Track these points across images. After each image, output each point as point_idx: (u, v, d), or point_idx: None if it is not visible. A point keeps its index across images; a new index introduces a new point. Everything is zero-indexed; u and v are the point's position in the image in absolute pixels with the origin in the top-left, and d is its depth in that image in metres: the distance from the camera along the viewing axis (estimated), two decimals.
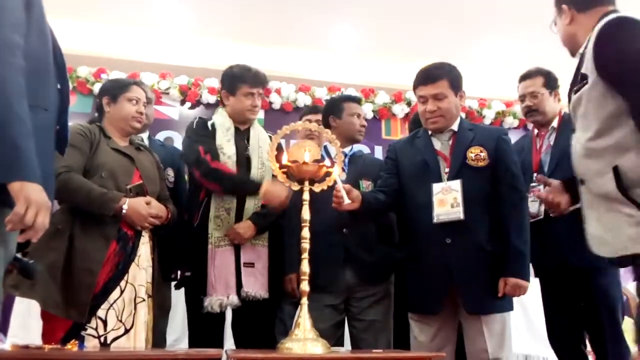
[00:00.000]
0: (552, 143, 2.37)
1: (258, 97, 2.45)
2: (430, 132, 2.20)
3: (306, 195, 1.77)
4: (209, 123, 2.43)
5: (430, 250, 2.04)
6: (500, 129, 2.51)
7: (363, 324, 2.24)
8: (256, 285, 2.24)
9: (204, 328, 2.25)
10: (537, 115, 2.44)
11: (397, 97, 4.58)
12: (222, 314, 2.26)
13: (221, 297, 2.20)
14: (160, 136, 4.25)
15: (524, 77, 2.51)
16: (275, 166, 1.81)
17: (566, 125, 2.18)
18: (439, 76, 2.14)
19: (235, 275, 2.24)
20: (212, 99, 4.39)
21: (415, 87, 2.23)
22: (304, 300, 1.70)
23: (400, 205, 2.20)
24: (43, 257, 1.83)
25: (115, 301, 1.88)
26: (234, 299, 2.21)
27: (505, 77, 5.27)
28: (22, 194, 1.11)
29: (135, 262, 1.95)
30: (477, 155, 2.08)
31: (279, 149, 2.21)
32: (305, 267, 1.73)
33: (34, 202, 1.11)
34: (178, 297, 2.45)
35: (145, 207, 1.97)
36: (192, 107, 4.42)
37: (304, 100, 4.44)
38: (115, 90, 2.14)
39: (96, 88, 4.23)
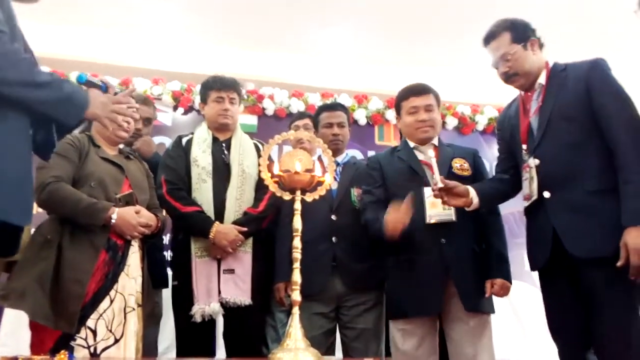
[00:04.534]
0: (540, 103, 1.96)
1: (229, 102, 2.47)
2: (412, 145, 2.26)
3: (298, 205, 1.77)
4: (185, 139, 2.47)
5: (425, 252, 2.08)
6: (474, 149, 2.38)
7: (354, 332, 2.24)
8: (236, 292, 2.24)
9: (191, 337, 2.26)
10: (518, 79, 2.00)
11: (390, 103, 4.57)
12: (210, 323, 2.26)
13: (203, 306, 2.20)
14: (154, 141, 4.23)
15: (487, 39, 2.06)
16: (267, 176, 1.81)
17: (557, 80, 1.92)
18: (428, 89, 2.30)
19: (217, 283, 2.24)
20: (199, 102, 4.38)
21: (405, 99, 2.30)
22: (295, 310, 1.69)
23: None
24: (33, 267, 1.83)
25: (105, 311, 1.86)
26: (215, 307, 2.22)
27: (498, 83, 5.31)
28: None
29: (124, 271, 1.94)
30: (461, 165, 2.21)
31: (269, 159, 2.22)
32: (296, 276, 1.72)
33: None
34: (169, 305, 2.45)
35: (134, 217, 1.96)
36: (185, 113, 4.40)
37: (297, 106, 4.42)
38: None
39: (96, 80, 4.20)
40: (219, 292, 2.23)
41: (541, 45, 2.02)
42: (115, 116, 1.45)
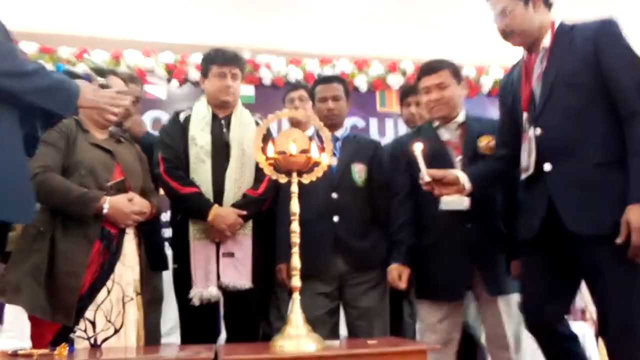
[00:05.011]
0: (544, 68, 1.81)
1: (231, 78, 2.36)
2: (436, 125, 2.20)
3: (294, 188, 1.70)
4: (183, 115, 2.36)
5: (449, 236, 2.06)
6: None
7: (358, 311, 2.21)
8: (235, 276, 2.20)
9: (194, 320, 2.23)
10: (516, 37, 1.86)
11: (391, 68, 4.45)
12: (213, 304, 2.23)
13: (201, 290, 2.17)
14: (148, 116, 4.15)
15: None
16: (261, 158, 1.73)
17: (562, 42, 1.78)
18: (440, 66, 2.20)
19: (216, 267, 2.20)
20: (199, 76, 4.24)
21: (419, 79, 2.24)
22: (296, 296, 1.65)
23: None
24: (26, 260, 1.79)
25: (102, 302, 1.82)
26: (213, 291, 2.18)
27: (504, 42, 5.13)
28: None
29: (120, 260, 1.90)
30: (487, 143, 2.10)
31: (269, 136, 2.14)
32: (295, 261, 1.67)
33: None
34: (171, 286, 2.42)
35: (127, 205, 1.90)
36: (179, 86, 4.29)
37: (295, 74, 4.30)
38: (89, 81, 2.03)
39: (79, 68, 4.09)
40: (218, 275, 2.19)
41: (549, 4, 1.86)
42: (108, 105, 1.37)
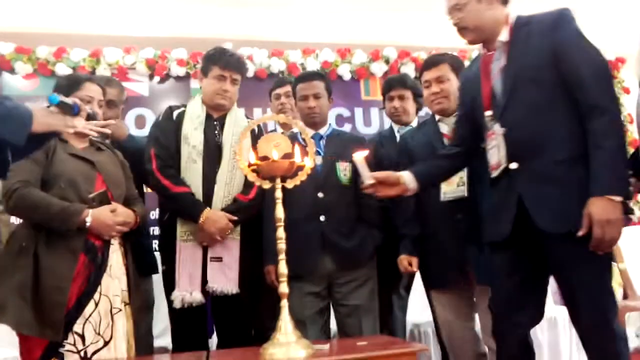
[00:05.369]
0: (503, 62, 1.76)
1: (231, 83, 2.33)
2: (437, 118, 2.26)
3: (278, 193, 1.70)
4: (176, 112, 2.32)
5: (442, 227, 2.14)
6: None
7: (347, 309, 2.23)
8: (223, 281, 2.19)
9: (184, 323, 2.23)
10: (468, 33, 1.82)
11: (374, 56, 4.41)
12: (202, 307, 2.22)
13: (183, 293, 2.16)
14: (132, 114, 4.11)
15: None
16: (243, 165, 1.71)
17: (520, 36, 1.75)
18: (440, 60, 2.25)
19: (202, 270, 2.19)
20: (181, 71, 4.20)
21: (420, 75, 2.31)
22: (284, 303, 1.66)
23: None
24: (10, 277, 1.77)
25: (90, 315, 1.82)
26: (197, 296, 2.17)
27: None
28: None
29: (107, 272, 1.88)
30: None
31: (259, 135, 2.11)
32: (282, 268, 1.67)
33: None
34: (162, 288, 2.41)
35: (110, 216, 1.87)
36: (161, 82, 4.23)
37: (277, 65, 4.25)
38: (65, 89, 1.99)
39: (58, 68, 4.03)
40: (204, 279, 2.18)
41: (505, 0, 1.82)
42: (62, 126, 1.34)
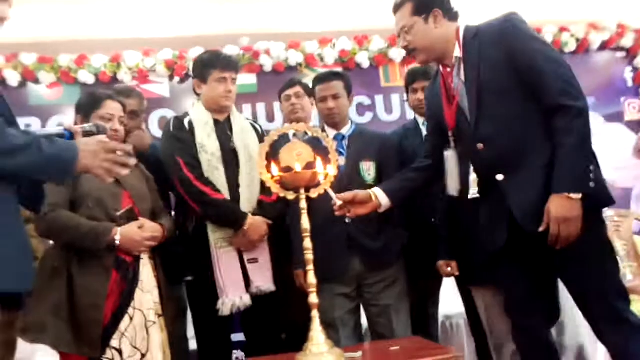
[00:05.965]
0: (463, 78, 1.75)
1: (232, 83, 2.33)
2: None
3: (303, 204, 1.68)
4: (186, 121, 2.33)
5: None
6: None
7: (377, 309, 2.23)
8: (264, 280, 2.24)
9: (211, 331, 2.26)
10: (418, 54, 1.84)
11: (392, 41, 4.31)
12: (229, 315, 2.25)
13: (233, 299, 2.19)
14: (154, 116, 4.12)
15: (394, 10, 1.88)
16: (267, 177, 1.71)
17: (472, 50, 1.73)
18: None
19: (242, 274, 2.23)
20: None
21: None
22: (315, 313, 1.65)
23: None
24: (46, 298, 1.82)
25: (126, 329, 1.86)
26: (247, 299, 2.21)
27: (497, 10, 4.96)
28: None
29: (139, 287, 1.92)
30: None
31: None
32: (311, 279, 1.66)
33: None
34: None
35: (138, 233, 1.90)
36: (181, 82, 4.23)
37: (295, 58, 4.21)
38: (86, 108, 2.02)
39: (80, 76, 4.07)
40: (246, 283, 2.22)
41: (453, 15, 1.82)
42: (109, 165, 1.32)
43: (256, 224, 2.20)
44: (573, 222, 1.57)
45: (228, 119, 2.37)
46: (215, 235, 2.24)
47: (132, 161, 1.36)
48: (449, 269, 2.23)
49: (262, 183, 2.22)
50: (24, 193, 1.34)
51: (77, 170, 1.27)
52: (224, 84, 2.31)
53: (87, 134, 1.46)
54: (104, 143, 1.31)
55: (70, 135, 1.41)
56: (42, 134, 1.30)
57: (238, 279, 2.21)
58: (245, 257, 2.25)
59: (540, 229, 1.59)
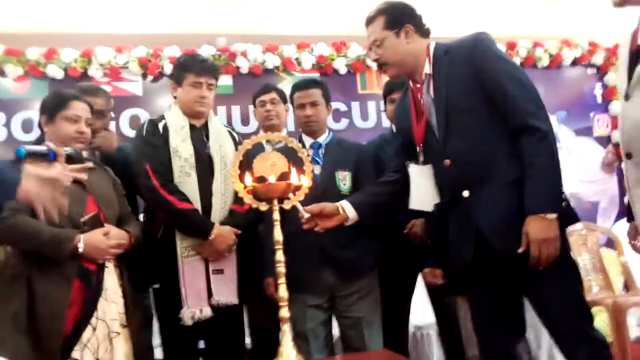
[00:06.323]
0: (432, 94, 1.78)
1: (207, 88, 2.28)
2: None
3: (276, 215, 1.64)
4: (160, 124, 2.27)
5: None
6: None
7: (350, 321, 2.21)
8: (226, 292, 2.19)
9: (177, 340, 2.21)
10: (389, 68, 1.86)
11: (370, 49, 4.32)
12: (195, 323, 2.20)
13: (193, 310, 2.14)
14: (126, 114, 4.02)
15: (366, 23, 1.91)
16: (239, 187, 1.66)
17: (441, 67, 1.74)
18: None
19: (206, 285, 2.18)
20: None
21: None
22: (286, 328, 1.62)
23: None
24: (3, 306, 1.73)
25: (88, 340, 1.78)
26: (207, 311, 2.16)
27: (493, 14, 5.01)
28: None
29: (103, 296, 1.84)
30: None
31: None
32: (283, 292, 1.63)
33: None
34: None
35: (103, 240, 1.83)
36: (154, 80, 4.13)
37: (272, 61, 4.16)
38: (51, 108, 1.94)
39: (49, 70, 3.94)
40: (209, 294, 2.17)
41: (424, 32, 1.85)
42: (55, 196, 1.24)
43: (224, 234, 2.16)
44: (552, 242, 1.57)
45: (205, 125, 2.32)
46: (182, 244, 2.19)
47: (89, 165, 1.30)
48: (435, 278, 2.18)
49: (236, 192, 2.22)
50: None
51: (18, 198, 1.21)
52: (198, 88, 2.26)
53: (68, 157, 1.43)
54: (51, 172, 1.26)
55: (54, 155, 1.36)
56: (29, 149, 1.26)
57: (200, 290, 2.17)
58: (211, 267, 2.20)
59: (520, 251, 1.59)
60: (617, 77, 1.68)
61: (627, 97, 1.50)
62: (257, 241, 2.32)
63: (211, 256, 2.18)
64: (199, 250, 2.18)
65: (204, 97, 2.27)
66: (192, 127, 2.28)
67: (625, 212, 1.72)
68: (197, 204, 2.19)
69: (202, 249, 2.17)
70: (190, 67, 2.27)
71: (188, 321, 2.14)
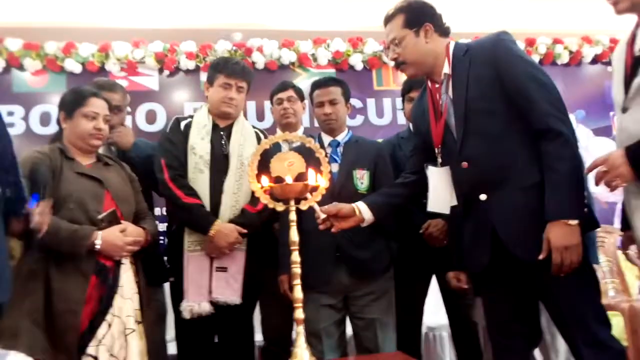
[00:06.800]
0: (451, 95, 1.74)
1: (236, 90, 2.30)
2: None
3: (293, 216, 1.63)
4: (184, 122, 2.30)
5: None
6: None
7: (363, 322, 2.19)
8: (227, 291, 2.18)
9: (192, 334, 2.23)
10: (407, 67, 1.82)
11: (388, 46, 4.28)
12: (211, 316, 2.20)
13: (192, 304, 2.15)
14: (142, 109, 4.05)
15: (385, 21, 1.87)
16: (256, 187, 1.66)
17: (461, 67, 1.71)
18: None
19: (208, 281, 2.18)
20: (191, 64, 4.11)
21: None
22: (300, 330, 1.61)
23: None
24: (21, 301, 1.75)
25: (104, 337, 1.80)
26: (206, 306, 2.16)
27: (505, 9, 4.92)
28: None
29: (119, 293, 1.86)
30: None
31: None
32: (298, 293, 1.62)
33: None
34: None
35: (120, 237, 1.84)
36: (170, 75, 4.15)
37: (288, 57, 4.15)
38: (70, 104, 1.95)
39: (67, 64, 3.97)
40: (210, 289, 2.18)
41: (444, 31, 1.81)
42: None
43: (224, 231, 2.14)
44: (574, 249, 1.53)
45: (230, 125, 2.33)
46: (189, 238, 2.21)
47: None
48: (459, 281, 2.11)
49: (251, 192, 2.22)
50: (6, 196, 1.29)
51: None
52: (227, 90, 2.29)
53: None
54: None
55: None
56: None
57: (201, 285, 2.17)
58: (215, 264, 2.20)
59: (541, 257, 1.56)
60: (612, 87, 1.62)
61: (624, 109, 1.47)
62: (272, 238, 2.31)
63: (212, 252, 2.18)
64: (203, 246, 2.19)
65: (232, 99, 2.28)
66: (215, 126, 2.30)
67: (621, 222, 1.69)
68: (207, 200, 2.20)
69: (205, 245, 2.18)
70: (222, 68, 2.30)
71: (187, 315, 2.15)
